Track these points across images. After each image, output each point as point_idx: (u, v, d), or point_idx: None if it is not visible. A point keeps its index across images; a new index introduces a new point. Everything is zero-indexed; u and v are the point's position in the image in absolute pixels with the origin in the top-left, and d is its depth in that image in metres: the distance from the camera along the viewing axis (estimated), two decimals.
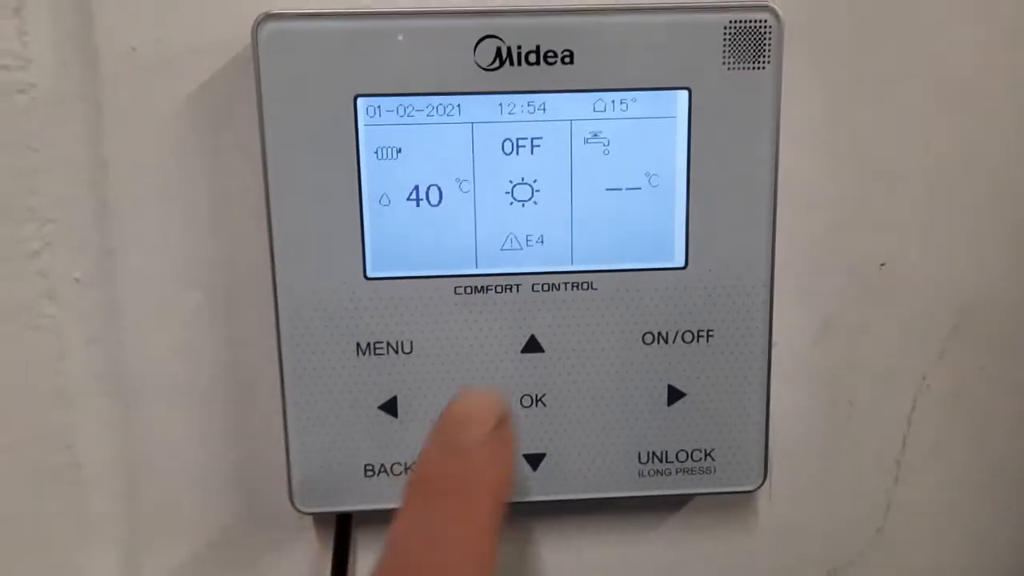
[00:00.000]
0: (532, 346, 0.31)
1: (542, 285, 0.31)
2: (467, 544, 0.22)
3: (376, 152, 0.29)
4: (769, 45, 0.29)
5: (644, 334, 0.31)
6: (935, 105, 0.33)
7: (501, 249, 0.30)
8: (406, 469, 0.32)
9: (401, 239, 0.30)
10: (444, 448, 0.23)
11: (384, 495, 0.32)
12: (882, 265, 0.34)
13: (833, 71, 0.32)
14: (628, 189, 0.30)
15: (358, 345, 0.30)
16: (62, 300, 0.32)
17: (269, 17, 0.28)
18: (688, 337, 0.31)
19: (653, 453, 0.32)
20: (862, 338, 0.35)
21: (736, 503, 0.35)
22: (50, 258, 0.31)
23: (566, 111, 0.30)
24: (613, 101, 0.30)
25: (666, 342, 0.31)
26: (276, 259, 0.30)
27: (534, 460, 0.32)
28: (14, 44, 0.30)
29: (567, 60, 0.29)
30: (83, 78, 0.30)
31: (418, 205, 0.30)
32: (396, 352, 0.31)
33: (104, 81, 0.30)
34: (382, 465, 0.31)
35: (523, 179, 0.30)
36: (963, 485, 0.36)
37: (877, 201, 0.33)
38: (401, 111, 0.29)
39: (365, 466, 0.31)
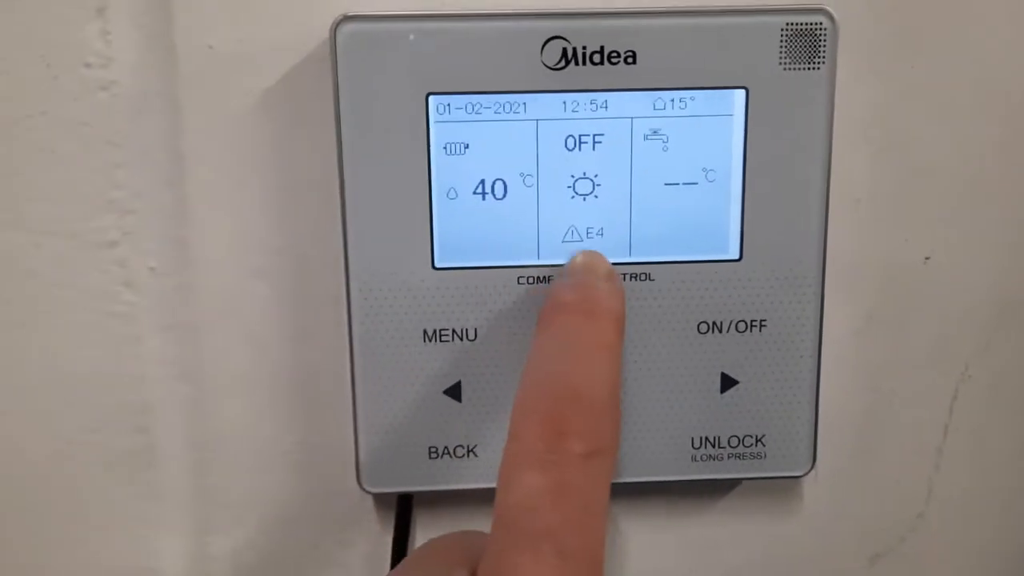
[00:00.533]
0: None
1: None
2: (598, 349, 0.25)
3: (445, 147, 0.30)
4: (824, 47, 0.30)
5: (699, 324, 0.32)
6: (976, 101, 0.33)
7: (563, 241, 0.31)
8: (469, 452, 0.33)
9: (467, 231, 0.31)
10: (571, 285, 0.28)
11: (447, 477, 0.33)
12: (926, 259, 0.35)
13: (877, 69, 0.33)
14: (685, 184, 0.31)
15: (425, 332, 0.31)
16: (139, 288, 0.33)
17: (347, 19, 0.29)
18: (742, 327, 0.32)
19: (706, 438, 0.33)
20: (906, 329, 0.35)
21: (782, 488, 0.36)
22: (128, 248, 0.32)
23: (627, 109, 0.31)
24: (672, 100, 0.31)
25: (720, 332, 0.32)
26: (349, 249, 0.31)
27: None
28: (97, 43, 0.31)
29: (630, 60, 0.30)
30: (162, 75, 0.31)
31: (484, 198, 0.31)
32: (461, 339, 0.32)
33: (182, 78, 0.31)
34: (446, 448, 0.32)
35: (584, 174, 0.31)
36: (1003, 473, 0.37)
37: (920, 196, 0.34)
38: (470, 108, 0.30)
39: (429, 448, 0.32)
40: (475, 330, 0.32)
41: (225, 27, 0.31)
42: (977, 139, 0.34)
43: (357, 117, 0.30)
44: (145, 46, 0.31)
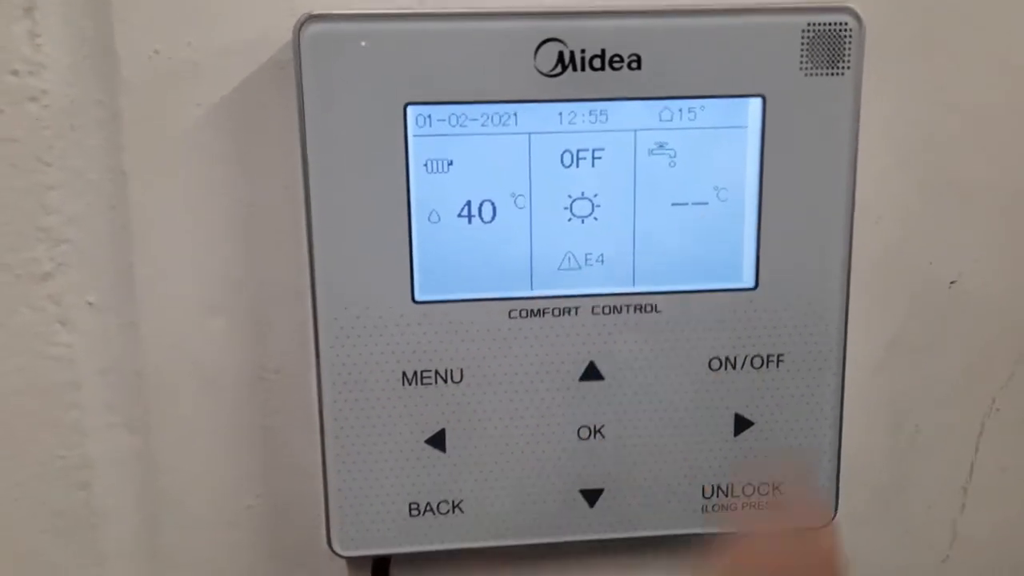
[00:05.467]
0: (591, 373, 0.29)
1: (602, 308, 0.29)
2: None
3: (426, 165, 0.28)
4: (849, 49, 0.28)
5: (711, 360, 0.29)
6: (1010, 114, 0.31)
7: (559, 269, 0.29)
8: (454, 508, 0.29)
9: (452, 259, 0.28)
10: None
11: (430, 536, 0.30)
12: (952, 283, 0.32)
13: (904, 76, 0.31)
14: (695, 204, 0.29)
15: (404, 374, 0.28)
16: (76, 326, 0.30)
17: (313, 18, 0.26)
18: (757, 362, 0.30)
19: (718, 487, 0.30)
20: (929, 359, 0.33)
21: None
22: (63, 281, 0.29)
23: (630, 120, 0.28)
24: (681, 109, 0.28)
25: (734, 368, 0.30)
26: (316, 281, 0.28)
27: (591, 496, 0.30)
28: (25, 47, 0.28)
29: (634, 65, 0.27)
30: (100, 84, 0.28)
31: (470, 222, 0.28)
32: (445, 381, 0.29)
33: (123, 87, 0.28)
34: (428, 504, 0.29)
35: (583, 194, 0.28)
36: None
37: (948, 215, 0.32)
38: (453, 120, 0.27)
39: (410, 505, 0.29)
40: (461, 371, 0.29)
41: (172, 29, 0.28)
42: (1010, 152, 0.32)
43: (325, 130, 0.27)
44: (80, 50, 0.28)
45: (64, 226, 0.29)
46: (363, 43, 0.26)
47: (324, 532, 0.30)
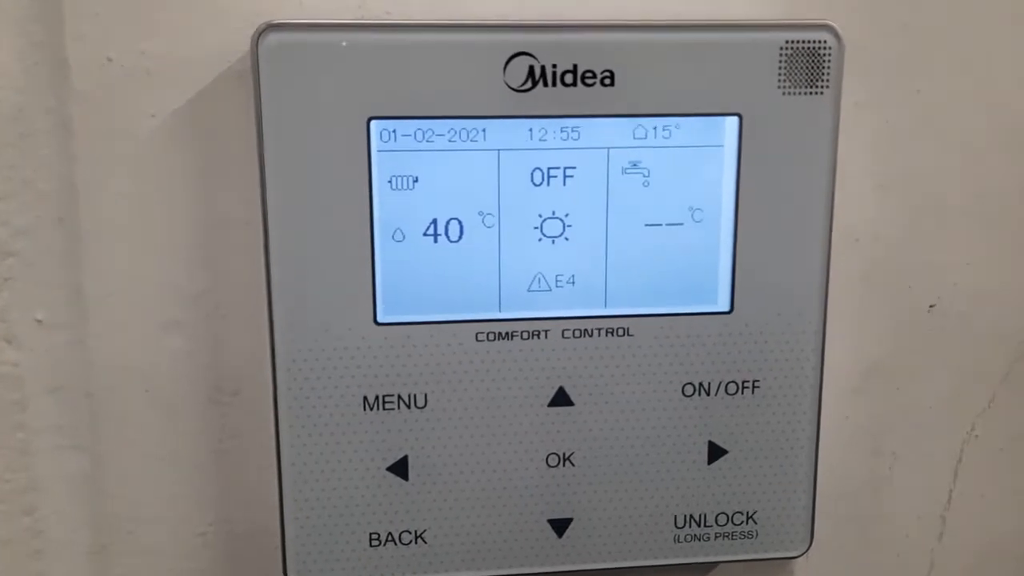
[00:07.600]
0: (561, 399, 0.28)
1: (573, 331, 0.28)
2: None
3: (390, 181, 0.27)
4: (828, 68, 0.27)
5: (684, 385, 0.29)
6: (990, 135, 0.31)
7: (528, 291, 0.28)
8: (416, 538, 0.28)
9: (416, 279, 0.27)
10: None
11: (391, 568, 0.29)
12: (931, 307, 0.32)
13: (884, 98, 0.30)
14: (669, 225, 0.28)
15: (365, 399, 0.27)
16: (23, 344, 0.29)
17: (272, 27, 0.25)
18: (732, 388, 0.29)
19: (691, 516, 0.29)
20: (907, 384, 0.33)
21: (770, 565, 0.33)
22: (10, 296, 0.28)
23: (603, 138, 0.27)
24: (655, 127, 0.27)
25: (708, 394, 0.29)
26: (273, 301, 0.27)
27: (560, 526, 0.29)
28: None
29: (607, 82, 0.26)
30: (51, 92, 0.27)
31: (436, 241, 0.27)
32: (408, 406, 0.28)
33: (75, 95, 0.27)
34: (389, 534, 0.29)
35: (553, 213, 0.28)
36: (1012, 542, 0.34)
37: (927, 238, 0.31)
38: (419, 136, 0.26)
39: (371, 535, 0.28)
40: (425, 396, 0.28)
41: (126, 36, 0.27)
42: (990, 173, 0.31)
43: (284, 144, 0.26)
44: (30, 57, 0.27)
45: (11, 239, 0.28)
46: (343, 43, 0.25)
47: (280, 563, 0.29)
